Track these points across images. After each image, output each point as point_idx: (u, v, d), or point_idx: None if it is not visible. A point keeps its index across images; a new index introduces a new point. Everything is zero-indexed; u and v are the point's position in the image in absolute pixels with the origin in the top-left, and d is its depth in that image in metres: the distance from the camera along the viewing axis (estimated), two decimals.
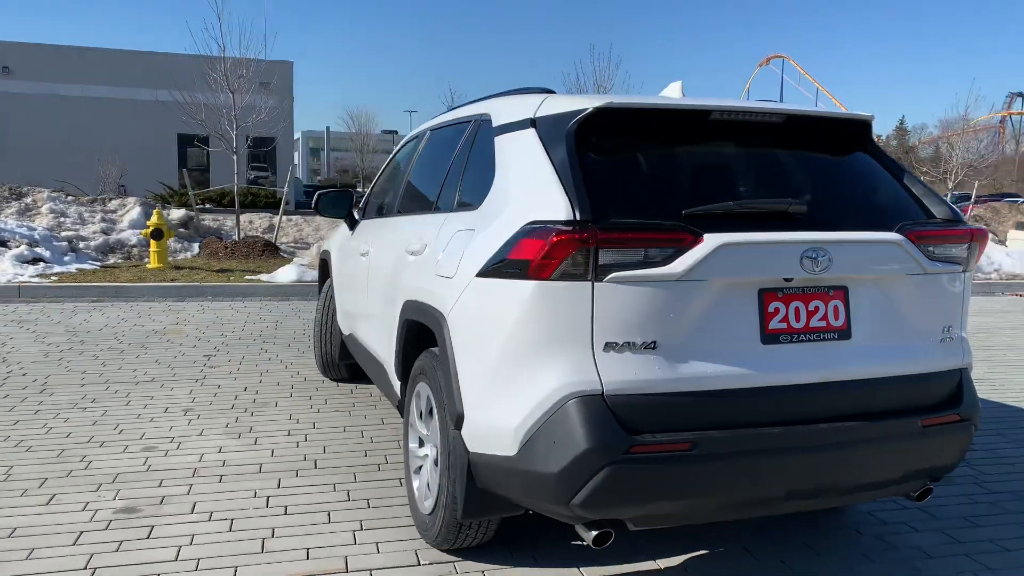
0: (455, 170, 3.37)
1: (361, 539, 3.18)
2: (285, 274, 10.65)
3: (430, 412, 3.10)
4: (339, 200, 4.90)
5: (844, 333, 2.54)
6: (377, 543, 3.14)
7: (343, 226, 5.45)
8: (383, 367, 3.90)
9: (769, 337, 2.45)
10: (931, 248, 2.66)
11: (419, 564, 2.98)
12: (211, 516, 3.36)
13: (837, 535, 3.31)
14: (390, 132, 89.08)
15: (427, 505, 3.08)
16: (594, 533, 2.44)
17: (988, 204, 24.66)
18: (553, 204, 2.40)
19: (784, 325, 2.47)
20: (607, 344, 2.33)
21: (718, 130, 2.74)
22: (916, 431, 2.60)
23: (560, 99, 2.80)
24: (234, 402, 5.14)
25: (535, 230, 2.39)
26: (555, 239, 2.31)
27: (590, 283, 2.31)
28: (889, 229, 2.62)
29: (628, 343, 2.33)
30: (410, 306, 3.28)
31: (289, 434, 4.50)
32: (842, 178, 2.82)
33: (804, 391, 2.48)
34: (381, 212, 4.52)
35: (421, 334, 3.35)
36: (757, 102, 2.87)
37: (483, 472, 2.65)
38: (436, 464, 3.00)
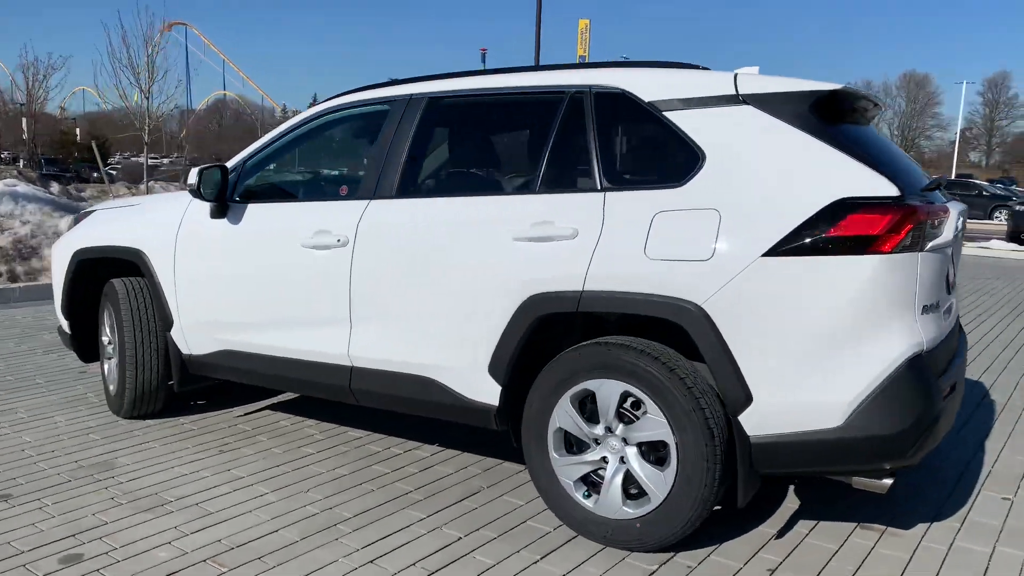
0: (571, 146, 3.04)
1: (558, 566, 2.77)
2: None
3: (623, 408, 2.85)
4: (215, 177, 3.76)
5: (953, 284, 3.24)
6: (579, 564, 2.79)
7: (158, 217, 4.14)
8: (421, 380, 3.27)
9: (949, 288, 3.01)
10: None
11: (658, 567, 2.78)
12: None
13: None
14: None
15: (631, 509, 2.85)
16: (888, 481, 2.70)
17: None
18: (865, 180, 2.55)
19: (951, 279, 3.06)
20: (923, 307, 2.61)
21: (859, 113, 3.09)
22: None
23: (763, 78, 2.85)
24: (63, 471, 3.57)
25: (867, 206, 2.51)
26: (901, 214, 2.48)
27: (918, 253, 2.56)
28: None
29: (930, 304, 2.66)
30: (549, 298, 2.92)
31: (236, 491, 3.40)
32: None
33: (953, 331, 3.12)
34: (329, 192, 3.63)
35: (554, 329, 3.02)
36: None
37: (774, 451, 2.65)
38: (658, 461, 2.81)
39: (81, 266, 4.43)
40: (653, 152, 2.98)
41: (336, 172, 4.30)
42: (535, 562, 2.82)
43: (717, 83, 2.87)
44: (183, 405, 4.58)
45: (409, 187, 3.41)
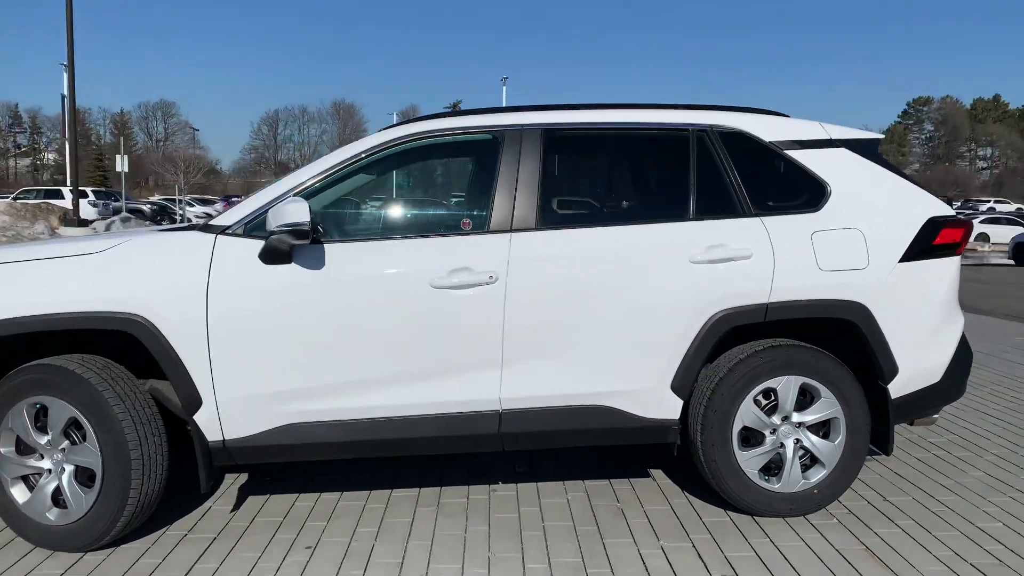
0: (712, 176, 3.43)
1: (791, 541, 3.23)
2: None
3: (798, 399, 3.41)
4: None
5: None
6: (799, 537, 3.28)
7: (160, 267, 3.16)
8: (593, 409, 3.30)
9: None
10: None
11: (835, 521, 3.42)
12: None
13: None
14: None
15: (810, 480, 3.45)
16: (937, 416, 3.81)
17: None
18: (936, 205, 3.59)
19: None
20: None
21: None
22: None
23: (834, 127, 3.69)
24: None
25: (949, 222, 3.55)
26: (966, 228, 3.60)
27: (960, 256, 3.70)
28: None
29: None
30: (739, 312, 3.32)
31: None
32: None
33: None
34: (435, 226, 3.23)
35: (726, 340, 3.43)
36: None
37: (905, 406, 3.54)
38: (824, 435, 3.46)
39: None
40: (786, 183, 3.56)
41: (421, 202, 3.71)
42: (777, 548, 3.20)
43: (811, 129, 3.62)
44: None
45: (551, 218, 3.38)
